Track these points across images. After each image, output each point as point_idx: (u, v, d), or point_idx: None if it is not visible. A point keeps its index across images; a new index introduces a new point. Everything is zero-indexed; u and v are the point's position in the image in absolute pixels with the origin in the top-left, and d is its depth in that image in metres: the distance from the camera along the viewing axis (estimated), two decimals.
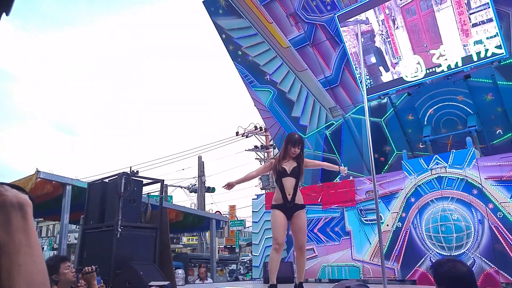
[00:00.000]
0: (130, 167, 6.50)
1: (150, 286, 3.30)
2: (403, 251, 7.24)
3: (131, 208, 6.36)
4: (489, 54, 7.33)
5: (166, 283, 3.40)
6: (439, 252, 6.76)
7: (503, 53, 7.30)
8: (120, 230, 5.99)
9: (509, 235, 6.14)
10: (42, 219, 22.55)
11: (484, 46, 7.35)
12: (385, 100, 9.09)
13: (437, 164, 7.12)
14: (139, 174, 6.92)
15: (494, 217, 6.34)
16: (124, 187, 6.20)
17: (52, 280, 3.28)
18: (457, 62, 7.69)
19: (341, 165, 4.99)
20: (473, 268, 6.32)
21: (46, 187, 8.62)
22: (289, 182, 4.38)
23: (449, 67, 7.80)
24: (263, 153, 23.38)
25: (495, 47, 7.25)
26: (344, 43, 9.14)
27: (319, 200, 8.70)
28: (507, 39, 7.48)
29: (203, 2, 11.27)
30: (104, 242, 6.14)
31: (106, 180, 6.77)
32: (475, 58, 7.49)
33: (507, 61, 7.51)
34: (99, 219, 6.50)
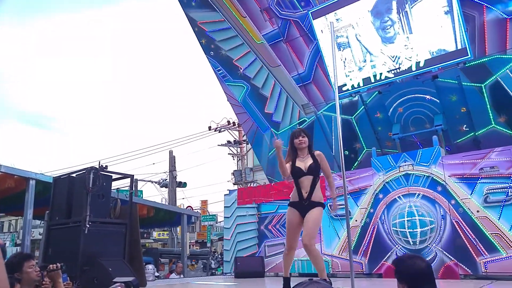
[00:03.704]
0: (99, 162, 6.37)
1: (114, 282, 3.24)
2: (370, 246, 7.42)
3: (99, 203, 6.24)
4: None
5: (131, 278, 3.35)
6: (404, 246, 6.98)
7: (468, 56, 7.58)
8: (88, 226, 5.88)
9: (469, 230, 6.42)
10: (3, 214, 21.81)
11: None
12: (356, 98, 9.25)
13: (405, 162, 7.33)
14: (108, 169, 6.79)
15: (455, 212, 6.60)
16: (92, 182, 6.08)
17: (14, 278, 3.19)
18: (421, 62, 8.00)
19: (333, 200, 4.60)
20: (435, 261, 6.58)
21: (8, 182, 8.36)
22: (306, 181, 4.15)
23: (417, 65, 8.05)
24: (236, 148, 23.36)
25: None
26: (317, 40, 9.24)
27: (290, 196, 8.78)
28: (472, 42, 7.76)
29: None
30: (71, 238, 6.01)
31: (73, 175, 6.62)
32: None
33: (472, 63, 7.79)
34: (66, 215, 6.36)
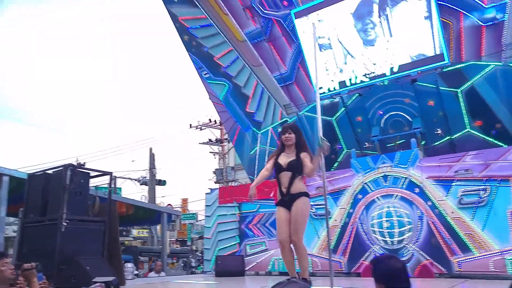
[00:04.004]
0: (77, 158, 6.27)
1: (94, 282, 3.20)
2: (350, 245, 7.54)
3: (77, 201, 6.12)
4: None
5: (111, 278, 3.32)
6: (383, 246, 7.12)
7: (445, 61, 7.77)
8: (65, 223, 5.77)
9: (444, 230, 6.61)
10: None
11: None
12: (337, 100, 9.35)
13: (384, 163, 7.47)
14: (86, 166, 6.70)
15: (431, 213, 6.78)
16: (69, 179, 5.97)
17: None
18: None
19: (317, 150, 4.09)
20: (411, 261, 6.74)
21: None
22: (284, 177, 4.07)
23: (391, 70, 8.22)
24: (217, 146, 23.30)
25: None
26: (299, 40, 9.29)
27: (271, 195, 8.82)
28: (449, 48, 7.95)
29: None
30: (46, 236, 5.88)
31: (49, 172, 6.49)
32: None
33: (449, 69, 7.98)
34: (41, 212, 6.21)
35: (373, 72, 8.55)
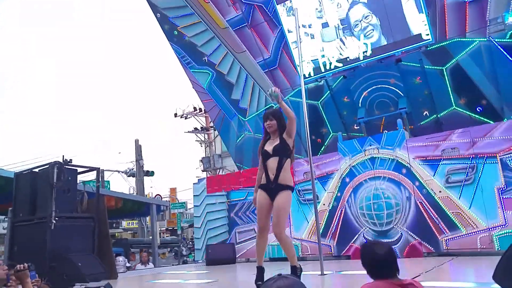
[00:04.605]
0: (63, 156, 6.17)
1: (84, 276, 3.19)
2: (338, 229, 7.61)
3: (65, 198, 6.12)
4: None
5: (104, 283, 3.30)
6: (371, 228, 7.20)
7: (429, 39, 7.78)
8: (54, 221, 5.74)
9: (431, 210, 6.70)
10: None
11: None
12: (322, 83, 9.34)
13: (370, 145, 7.50)
14: (73, 161, 6.60)
15: (419, 193, 6.86)
16: (57, 177, 5.91)
17: None
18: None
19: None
20: (400, 242, 6.84)
21: None
22: (272, 163, 4.07)
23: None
24: (203, 134, 23.18)
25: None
26: (282, 25, 9.21)
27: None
28: (433, 25, 7.94)
29: None
30: (36, 235, 5.89)
31: (36, 170, 6.40)
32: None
33: (433, 47, 7.99)
34: (30, 211, 6.20)
35: (348, 57, 8.59)
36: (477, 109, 7.88)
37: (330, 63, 8.82)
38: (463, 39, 7.86)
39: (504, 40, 7.45)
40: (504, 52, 7.45)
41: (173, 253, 20.58)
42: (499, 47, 7.49)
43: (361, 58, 8.47)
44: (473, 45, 7.75)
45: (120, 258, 10.17)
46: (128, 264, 11.63)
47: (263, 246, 4.14)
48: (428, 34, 7.76)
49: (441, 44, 8.03)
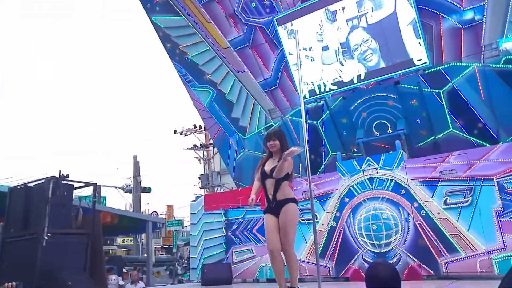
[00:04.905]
0: (60, 171, 6.11)
1: None
2: (337, 249, 7.51)
3: (60, 214, 6.00)
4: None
5: None
6: (370, 249, 7.11)
7: (426, 63, 7.88)
8: (46, 237, 5.61)
9: (430, 232, 6.63)
10: None
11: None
12: (321, 103, 9.38)
13: (369, 166, 7.48)
14: (70, 177, 6.53)
15: (418, 215, 6.80)
16: (52, 192, 5.83)
17: None
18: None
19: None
20: (399, 263, 6.74)
21: None
22: (269, 183, 4.06)
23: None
24: (202, 152, 23.15)
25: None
26: (282, 46, 9.32)
27: (258, 201, 8.76)
28: (430, 49, 8.05)
29: None
30: (27, 251, 5.74)
31: (31, 185, 6.33)
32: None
33: (431, 70, 8.09)
34: (22, 227, 6.06)
35: (341, 80, 8.75)
36: (474, 132, 7.91)
37: (325, 85, 8.95)
38: (458, 64, 7.98)
39: (499, 65, 7.55)
40: (499, 77, 7.54)
41: (168, 272, 20.29)
42: (493, 72, 7.60)
43: (355, 81, 8.60)
44: (468, 69, 7.85)
45: (113, 277, 9.99)
46: (121, 282, 11.42)
47: (280, 267, 3.99)
48: (421, 59, 7.94)
49: (438, 67, 8.13)
